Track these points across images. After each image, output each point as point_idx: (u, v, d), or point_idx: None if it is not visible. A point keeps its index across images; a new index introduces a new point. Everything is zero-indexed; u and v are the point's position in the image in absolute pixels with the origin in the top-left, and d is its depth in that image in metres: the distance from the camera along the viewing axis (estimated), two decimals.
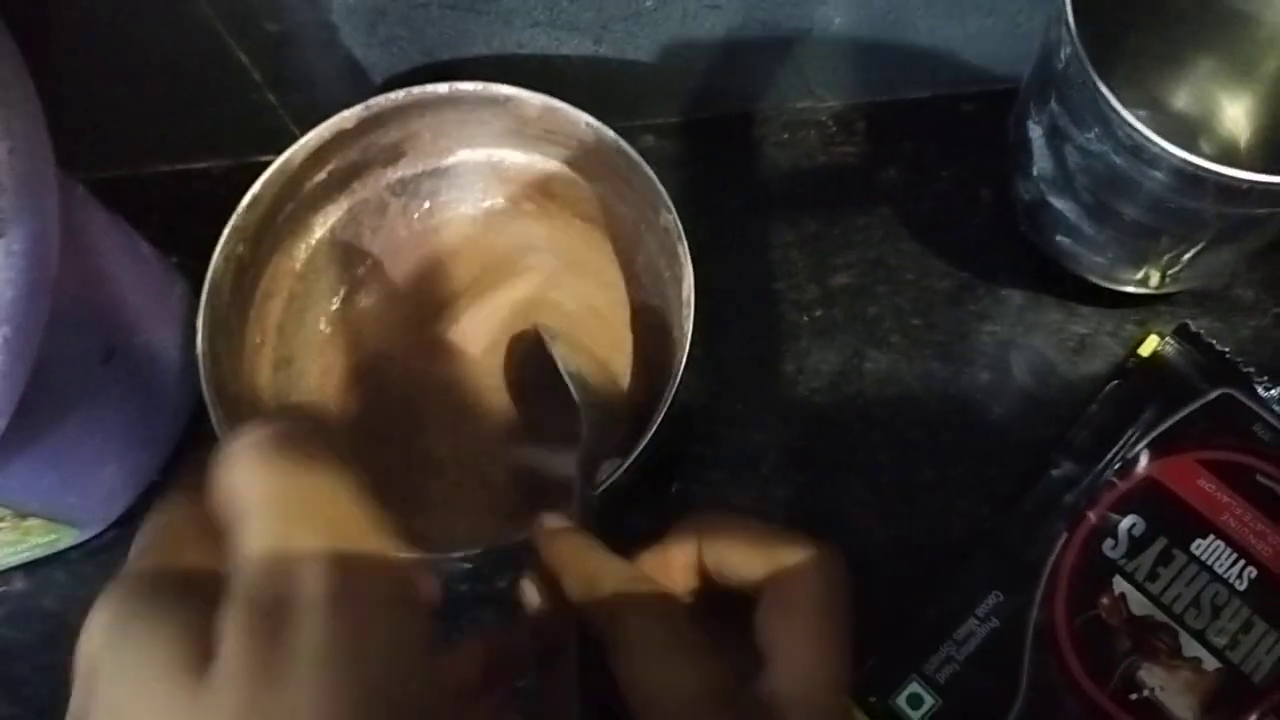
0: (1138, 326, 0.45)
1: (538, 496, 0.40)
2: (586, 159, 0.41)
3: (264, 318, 0.40)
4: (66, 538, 0.42)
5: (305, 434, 0.23)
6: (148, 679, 0.21)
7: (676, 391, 0.36)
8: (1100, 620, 0.39)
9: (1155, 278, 0.44)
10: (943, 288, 0.47)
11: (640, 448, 0.35)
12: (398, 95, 0.39)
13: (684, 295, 0.37)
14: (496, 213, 0.44)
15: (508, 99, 0.39)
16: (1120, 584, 0.40)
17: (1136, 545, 0.40)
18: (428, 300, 0.43)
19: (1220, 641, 0.39)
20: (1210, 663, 0.38)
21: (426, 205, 0.44)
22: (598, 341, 0.42)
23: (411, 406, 0.42)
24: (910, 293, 0.47)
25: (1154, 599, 0.39)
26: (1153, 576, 0.40)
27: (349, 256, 0.43)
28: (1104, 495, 0.41)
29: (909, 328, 0.46)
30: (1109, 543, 0.40)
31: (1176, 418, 0.42)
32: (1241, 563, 0.40)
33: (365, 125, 0.40)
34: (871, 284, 0.47)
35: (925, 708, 0.39)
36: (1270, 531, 0.40)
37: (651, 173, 0.38)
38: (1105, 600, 0.40)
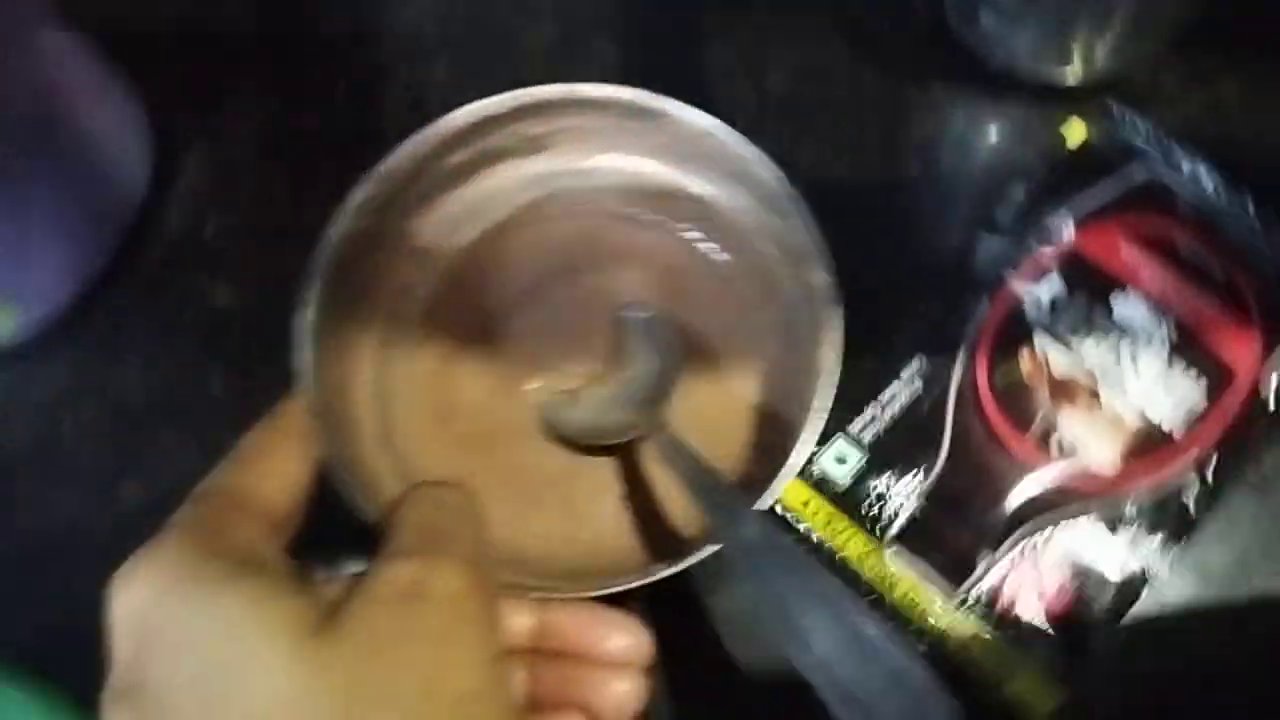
0: (1064, 115, 0.46)
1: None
2: (735, 189, 0.40)
3: (375, 290, 0.40)
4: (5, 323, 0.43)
5: (470, 492, 0.31)
6: (260, 638, 0.23)
7: None
8: (1021, 381, 0.40)
9: (1078, 63, 0.44)
10: (873, 86, 0.48)
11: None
12: (554, 89, 0.39)
13: (822, 364, 0.36)
14: (622, 222, 0.43)
15: (664, 113, 0.39)
16: (1041, 344, 0.40)
17: (1057, 307, 0.41)
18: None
19: (1139, 399, 0.39)
20: (1131, 418, 0.39)
21: (555, 204, 0.43)
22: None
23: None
24: (841, 91, 0.47)
25: (1074, 358, 0.40)
26: (1073, 335, 0.40)
27: (464, 238, 0.43)
28: (1026, 264, 0.42)
29: (841, 126, 0.47)
30: (1030, 307, 0.41)
31: (1101, 197, 0.43)
32: (1160, 321, 0.40)
33: (516, 114, 0.40)
34: (804, 85, 0.48)
35: (851, 463, 0.40)
36: (1189, 293, 0.41)
37: (811, 221, 0.37)
38: (1026, 360, 0.40)
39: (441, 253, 0.42)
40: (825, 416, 0.35)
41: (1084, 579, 0.37)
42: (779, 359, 0.40)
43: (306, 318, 0.36)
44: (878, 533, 0.39)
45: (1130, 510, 0.38)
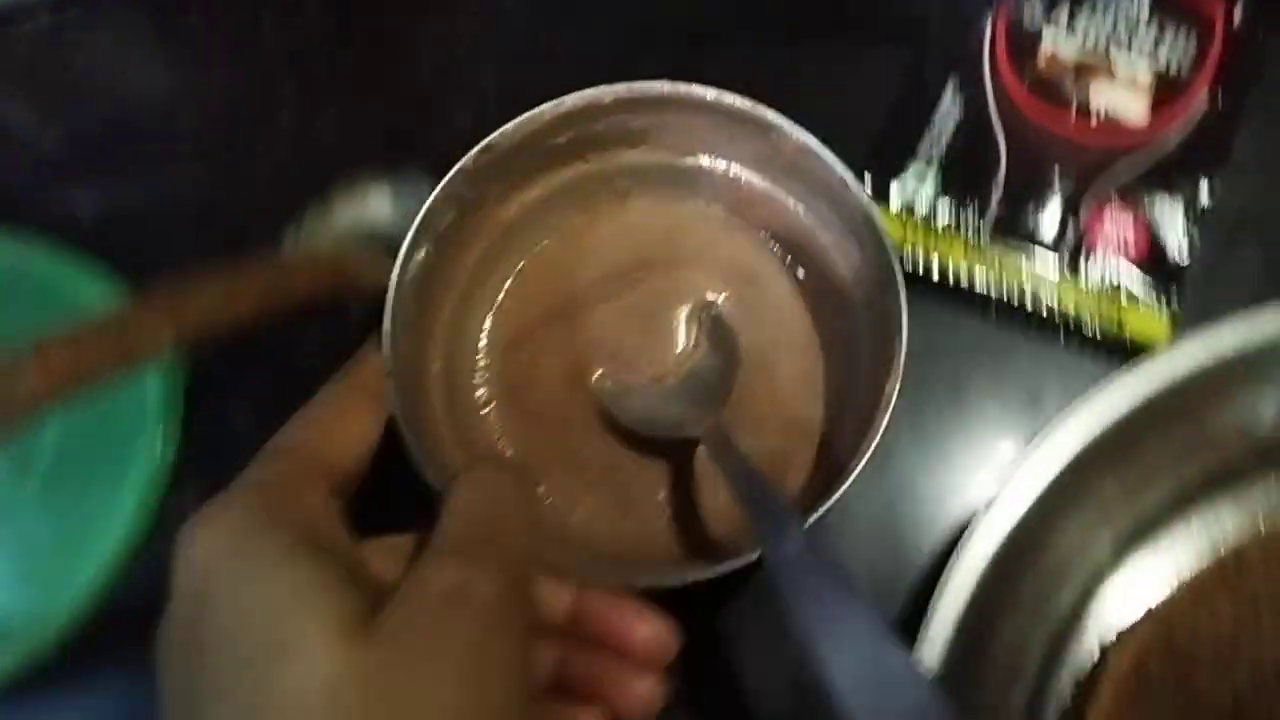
0: None
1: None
2: (824, 209, 0.40)
3: (462, 259, 0.41)
4: None
5: (525, 481, 0.31)
6: (306, 631, 0.24)
7: None
8: (1044, 74, 0.45)
9: None
10: None
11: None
12: (661, 86, 0.39)
13: (883, 392, 0.36)
14: (707, 222, 0.43)
15: (769, 126, 0.39)
16: (1049, 38, 0.45)
17: (1049, 6, 0.46)
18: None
19: (1144, 58, 0.45)
20: (1144, 75, 0.45)
21: (645, 195, 0.43)
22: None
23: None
24: None
25: (1080, 40, 0.45)
26: (1072, 22, 0.46)
27: (552, 219, 0.43)
28: None
29: None
30: (1027, 15, 0.46)
31: None
32: None
33: (619, 105, 0.40)
34: None
35: (929, 186, 0.44)
36: None
37: (892, 248, 0.37)
38: (1042, 58, 0.45)
39: (529, 231, 0.43)
40: (877, 442, 0.35)
41: (1154, 220, 0.43)
42: (841, 380, 0.40)
43: (406, 274, 0.38)
44: (973, 236, 0.43)
45: (1171, 151, 0.44)
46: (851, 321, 0.40)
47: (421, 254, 0.38)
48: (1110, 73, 0.45)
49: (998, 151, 0.45)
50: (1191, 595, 0.38)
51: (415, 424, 0.36)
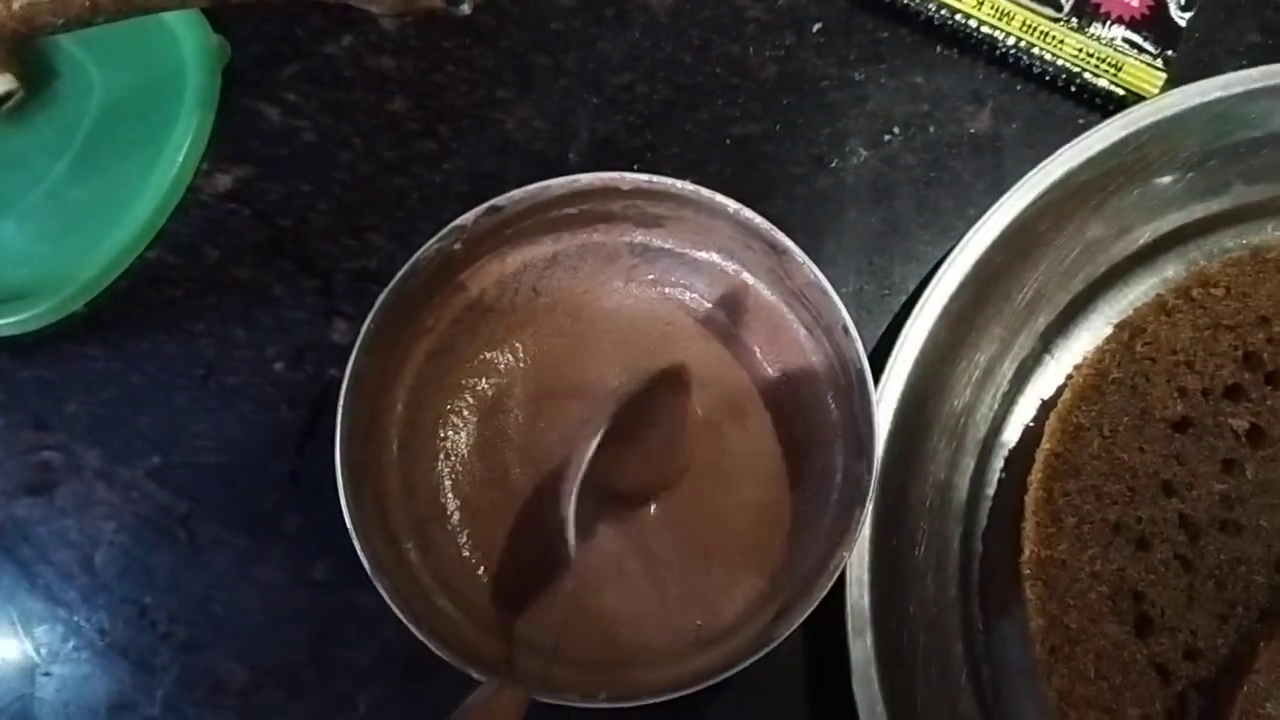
0: None
1: None
2: (819, 335, 0.40)
3: (446, 307, 0.41)
4: None
5: None
6: None
7: None
8: None
9: None
10: None
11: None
12: (684, 185, 0.38)
13: (831, 564, 0.36)
14: (708, 322, 0.43)
15: (784, 250, 0.38)
16: None
17: None
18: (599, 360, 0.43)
19: None
20: None
21: (650, 277, 0.42)
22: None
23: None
24: None
25: None
26: None
27: (553, 283, 0.43)
28: None
29: None
30: None
31: None
32: None
33: (638, 193, 0.39)
34: None
35: None
36: None
37: (873, 404, 0.37)
38: None
39: (524, 292, 0.43)
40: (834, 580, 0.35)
41: None
42: (804, 515, 0.40)
43: (368, 330, 0.37)
44: None
45: None
46: (829, 460, 0.40)
47: (398, 297, 0.38)
48: None
49: None
50: (1155, 312, 0.41)
51: (365, 501, 0.37)
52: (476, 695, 0.32)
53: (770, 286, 0.41)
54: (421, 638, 0.35)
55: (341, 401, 0.36)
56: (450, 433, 0.41)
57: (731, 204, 0.38)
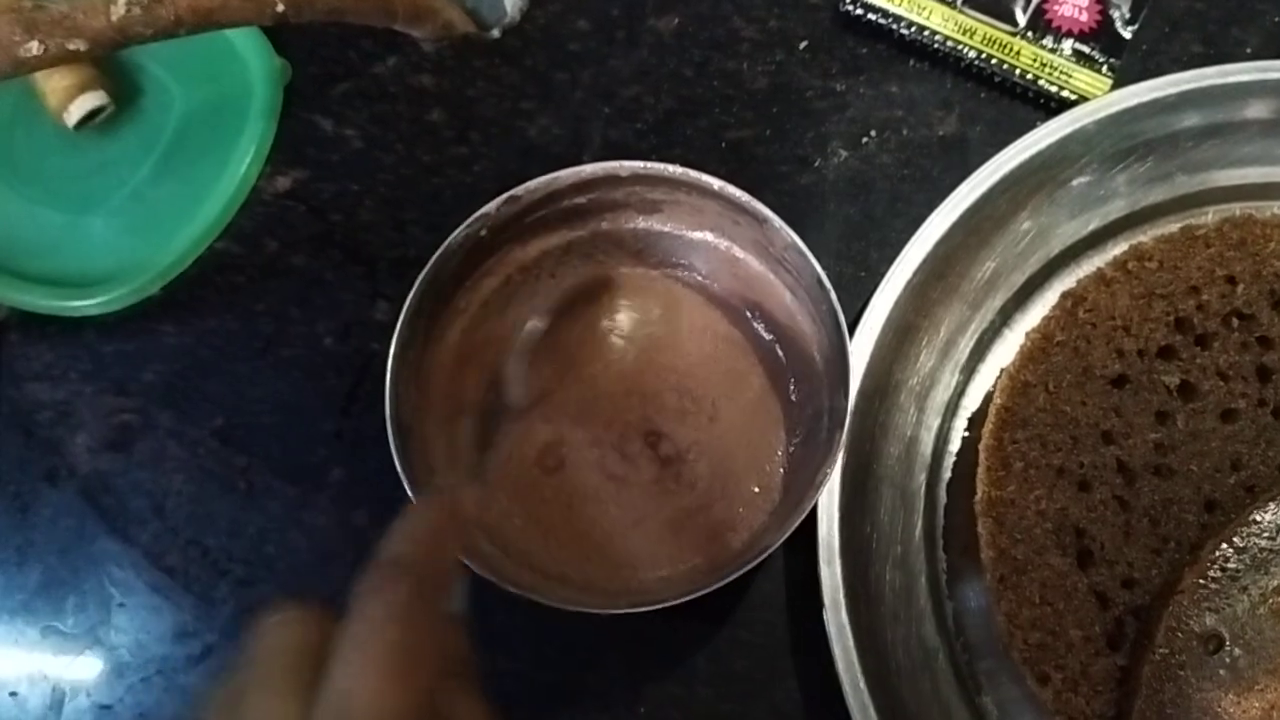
0: None
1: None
2: (802, 298, 0.45)
3: (476, 289, 0.47)
4: None
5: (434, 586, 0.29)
6: None
7: None
8: None
9: None
10: None
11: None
12: (674, 169, 0.43)
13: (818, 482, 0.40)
14: (708, 294, 0.48)
15: (765, 220, 0.43)
16: None
17: None
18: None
19: None
20: None
21: (655, 259, 0.48)
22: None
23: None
24: None
25: None
26: None
27: (568, 266, 0.48)
28: None
29: None
30: None
31: None
32: None
33: (635, 179, 0.44)
34: None
35: None
36: None
37: (847, 353, 0.41)
38: None
39: (543, 277, 0.48)
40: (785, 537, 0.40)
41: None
42: (784, 460, 0.45)
43: (411, 305, 0.43)
44: (950, 1, 0.51)
45: None
46: (818, 405, 0.44)
47: (422, 279, 0.43)
48: None
49: None
50: (1097, 283, 0.46)
51: (412, 453, 0.42)
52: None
53: (758, 257, 0.46)
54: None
55: (390, 368, 0.42)
56: (476, 388, 0.47)
57: (716, 182, 0.44)
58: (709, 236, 0.47)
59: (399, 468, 0.41)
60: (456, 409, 0.46)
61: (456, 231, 0.44)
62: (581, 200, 0.46)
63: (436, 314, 0.45)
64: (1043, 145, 0.47)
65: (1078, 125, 0.47)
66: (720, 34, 0.54)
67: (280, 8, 0.45)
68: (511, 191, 0.44)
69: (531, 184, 0.44)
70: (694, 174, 0.43)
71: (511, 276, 0.48)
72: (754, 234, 0.45)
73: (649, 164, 0.44)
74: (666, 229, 0.47)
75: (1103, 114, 0.47)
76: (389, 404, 0.42)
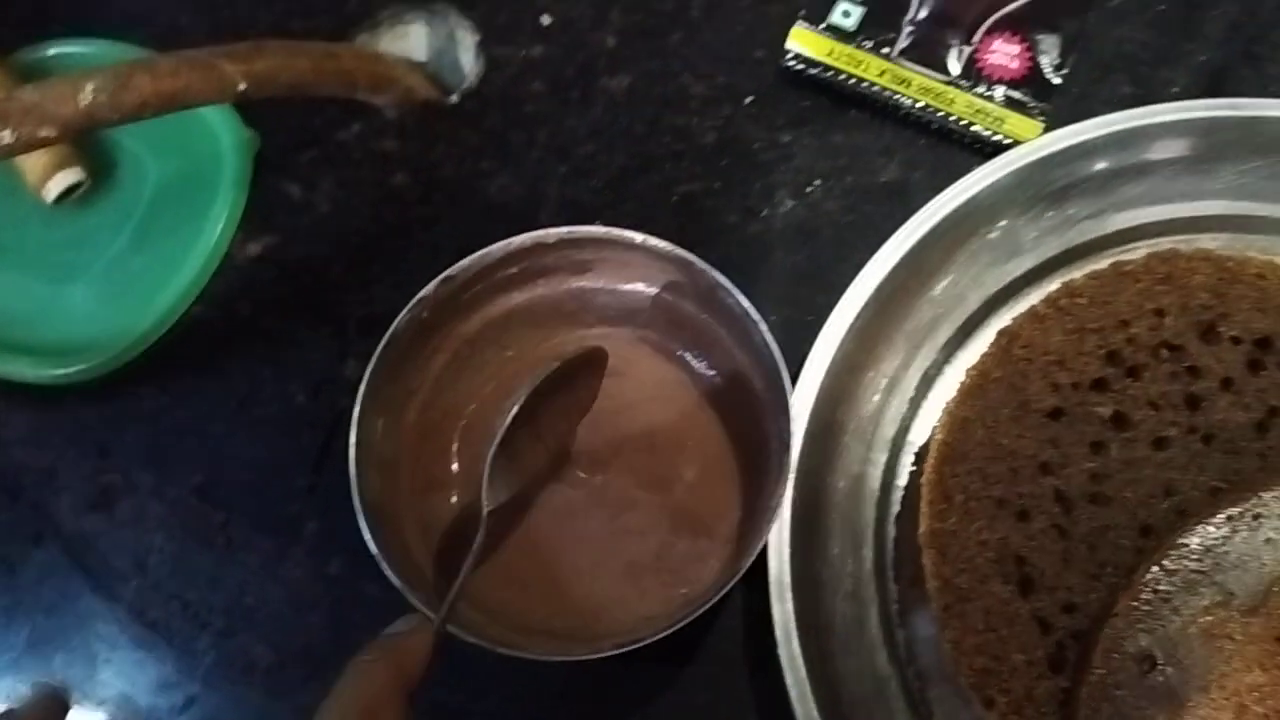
0: None
1: None
2: (735, 334, 0.47)
3: (427, 368, 0.49)
4: None
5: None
6: None
7: None
8: None
9: None
10: None
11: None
12: (598, 230, 0.46)
13: (770, 504, 0.43)
14: (649, 342, 0.50)
15: (689, 264, 0.45)
16: None
17: None
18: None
19: None
20: None
21: (592, 316, 0.50)
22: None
23: None
24: None
25: None
26: None
27: (511, 337, 0.50)
28: None
29: None
30: None
31: None
32: None
33: (563, 243, 0.47)
34: None
35: (855, 15, 0.55)
36: None
37: (787, 382, 0.43)
38: None
39: (491, 345, 0.50)
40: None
41: (1037, 48, 0.53)
42: (738, 495, 0.47)
43: (374, 375, 0.45)
44: (887, 53, 0.53)
45: None
46: (764, 433, 0.46)
47: (374, 363, 0.45)
48: None
49: None
50: (1031, 320, 0.48)
51: (386, 535, 0.43)
52: (394, 626, 0.39)
53: (688, 300, 0.48)
54: (414, 601, 0.42)
55: (351, 457, 0.44)
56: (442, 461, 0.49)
57: (638, 236, 0.46)
58: (640, 287, 0.49)
59: (374, 551, 0.42)
60: (424, 485, 0.48)
61: (399, 317, 0.46)
62: (514, 270, 0.48)
63: (391, 397, 0.47)
64: (978, 189, 0.49)
65: (1010, 169, 0.49)
66: (670, 91, 0.56)
67: (242, 86, 0.47)
68: (446, 273, 0.46)
69: (464, 262, 0.46)
70: (616, 231, 0.46)
71: (459, 350, 0.50)
72: (681, 278, 0.47)
73: (574, 227, 0.46)
74: (600, 285, 0.49)
75: (1033, 157, 0.49)
76: (355, 492, 0.43)
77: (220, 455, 0.52)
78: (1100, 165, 0.50)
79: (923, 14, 0.54)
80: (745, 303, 0.44)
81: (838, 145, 0.55)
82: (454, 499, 0.48)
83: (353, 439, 0.44)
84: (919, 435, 0.50)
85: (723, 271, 0.45)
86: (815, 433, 0.47)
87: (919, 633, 0.47)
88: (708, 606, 0.41)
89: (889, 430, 0.50)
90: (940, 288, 0.50)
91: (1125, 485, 0.45)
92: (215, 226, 0.55)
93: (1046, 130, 0.52)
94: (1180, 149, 0.50)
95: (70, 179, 0.54)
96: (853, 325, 0.48)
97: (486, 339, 0.50)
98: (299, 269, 0.55)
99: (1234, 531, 0.42)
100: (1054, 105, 0.53)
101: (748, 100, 0.56)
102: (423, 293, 0.46)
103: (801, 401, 0.46)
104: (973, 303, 0.51)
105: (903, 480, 0.49)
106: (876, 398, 0.49)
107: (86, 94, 0.41)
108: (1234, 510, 0.42)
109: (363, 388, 0.44)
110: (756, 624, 0.47)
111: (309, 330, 0.53)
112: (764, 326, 0.44)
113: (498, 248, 0.47)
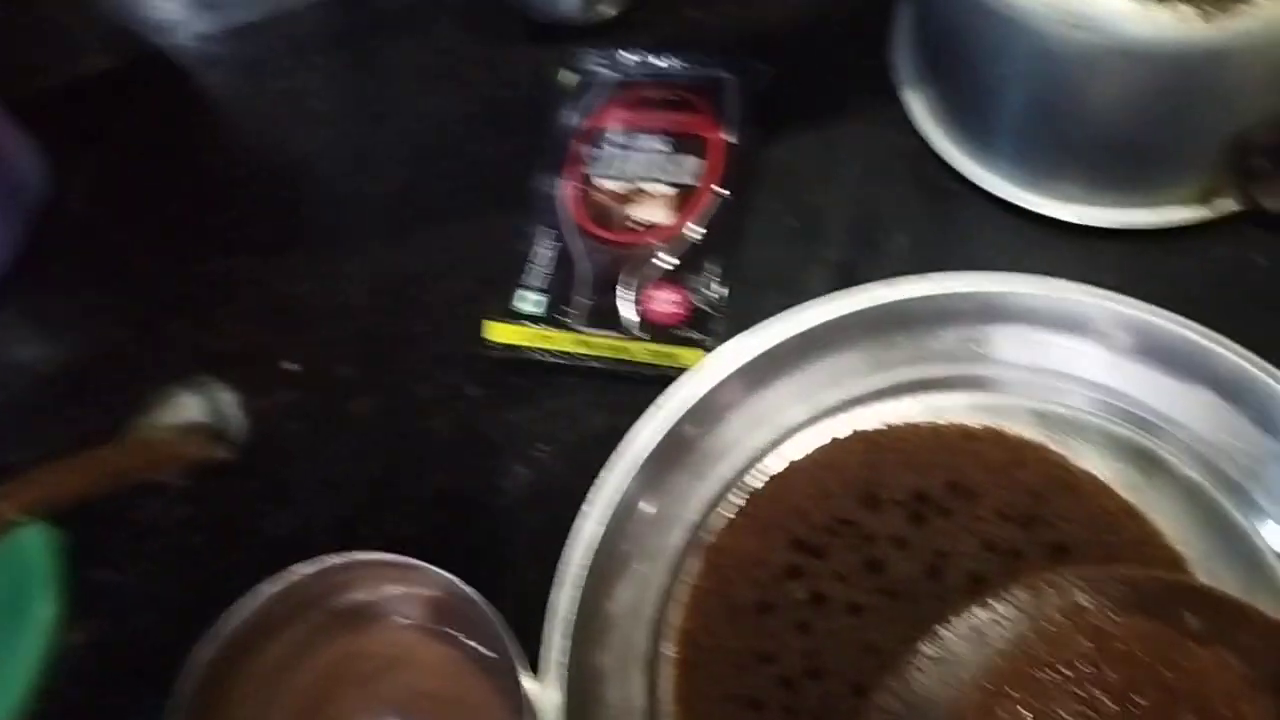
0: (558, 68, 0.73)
1: None
2: (479, 611, 0.50)
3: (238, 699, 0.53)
4: None
5: None
6: None
7: None
8: (604, 206, 0.66)
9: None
10: None
11: None
12: (338, 558, 0.52)
13: None
14: (420, 629, 0.55)
15: (414, 567, 0.51)
16: (601, 183, 0.66)
17: (601, 159, 0.67)
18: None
19: (667, 178, 0.65)
20: (667, 190, 0.65)
21: (366, 618, 0.55)
22: None
23: None
24: None
25: (620, 179, 0.66)
26: (615, 167, 0.66)
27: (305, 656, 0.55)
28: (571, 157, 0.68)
29: None
30: (588, 168, 0.67)
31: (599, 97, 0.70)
32: (659, 138, 0.67)
33: (322, 572, 0.52)
34: None
35: (536, 299, 0.64)
36: (670, 117, 0.68)
37: (518, 653, 0.48)
38: (599, 194, 0.66)
39: (292, 667, 0.54)
40: None
41: (692, 288, 0.63)
42: None
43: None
44: (571, 327, 0.63)
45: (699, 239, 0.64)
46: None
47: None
48: (644, 196, 0.66)
49: (582, 268, 0.65)
50: (727, 530, 0.56)
51: None
52: None
53: (430, 589, 0.54)
54: None
55: None
56: None
57: (373, 555, 0.52)
58: (398, 589, 0.55)
59: None
60: None
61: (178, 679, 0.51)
62: (284, 610, 0.54)
63: None
64: (657, 423, 0.57)
65: (680, 397, 0.57)
66: (405, 401, 0.65)
67: (16, 517, 0.55)
68: (214, 627, 0.51)
69: (235, 607, 0.52)
70: (358, 555, 0.52)
71: (268, 678, 0.55)
72: (417, 575, 0.53)
73: (324, 557, 0.52)
74: (360, 597, 0.55)
75: (699, 385, 0.57)
76: None
77: None
78: (759, 378, 0.59)
79: (588, 289, 0.63)
80: (460, 584, 0.50)
81: (555, 409, 0.63)
82: None
83: None
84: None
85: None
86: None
87: None
88: None
89: (641, 647, 0.56)
90: (653, 518, 0.58)
91: (834, 655, 0.52)
92: (40, 626, 0.61)
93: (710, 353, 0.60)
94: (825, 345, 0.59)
95: None
96: (577, 579, 0.54)
97: (286, 665, 0.55)
98: (121, 645, 0.61)
99: (920, 672, 0.49)
100: (721, 329, 0.61)
101: (471, 392, 0.64)
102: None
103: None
104: (686, 524, 0.58)
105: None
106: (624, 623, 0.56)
107: None
108: (918, 653, 0.48)
109: None
110: None
111: (133, 703, 0.59)
112: (479, 597, 0.50)
113: (265, 585, 0.52)
